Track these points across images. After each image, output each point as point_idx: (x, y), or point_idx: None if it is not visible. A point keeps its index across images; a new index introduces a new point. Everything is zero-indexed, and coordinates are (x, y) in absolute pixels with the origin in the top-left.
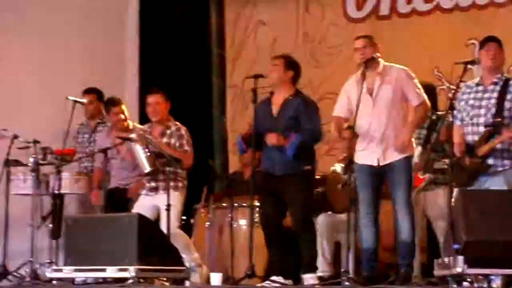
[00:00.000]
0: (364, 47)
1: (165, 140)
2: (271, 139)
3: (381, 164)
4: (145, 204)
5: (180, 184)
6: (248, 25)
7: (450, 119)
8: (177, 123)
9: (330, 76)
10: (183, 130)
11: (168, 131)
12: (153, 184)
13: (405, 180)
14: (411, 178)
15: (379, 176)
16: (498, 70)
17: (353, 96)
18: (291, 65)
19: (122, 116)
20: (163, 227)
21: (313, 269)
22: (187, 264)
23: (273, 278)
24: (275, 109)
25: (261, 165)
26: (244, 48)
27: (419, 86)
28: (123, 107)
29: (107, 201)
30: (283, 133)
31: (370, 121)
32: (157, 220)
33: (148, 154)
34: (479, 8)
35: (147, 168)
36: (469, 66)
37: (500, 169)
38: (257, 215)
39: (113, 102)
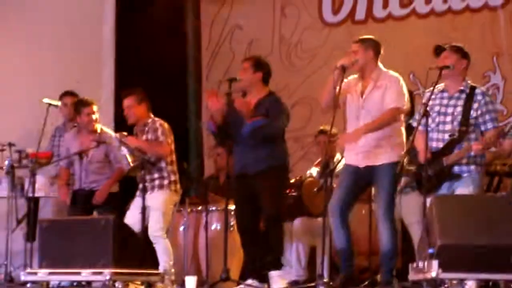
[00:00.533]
0: (355, 52)
1: (143, 137)
2: (239, 104)
3: (366, 166)
4: (138, 205)
5: (165, 182)
6: (224, 28)
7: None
8: (156, 118)
9: (306, 80)
10: (158, 124)
11: (146, 128)
12: (141, 185)
13: (386, 188)
14: (394, 184)
15: (361, 179)
16: (454, 75)
17: (349, 90)
18: (260, 66)
19: (93, 117)
20: (149, 228)
21: (279, 266)
22: (161, 269)
23: (249, 281)
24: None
25: (234, 168)
26: (220, 51)
27: (405, 94)
28: (95, 108)
29: (72, 202)
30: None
31: (358, 123)
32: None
33: (129, 152)
34: (455, 13)
35: (128, 164)
36: (444, 71)
37: (466, 174)
38: (232, 218)
39: (84, 103)
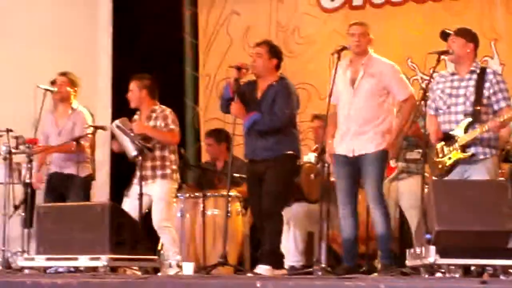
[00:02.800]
0: (361, 34)
1: (151, 123)
2: (234, 109)
3: (355, 155)
4: (136, 193)
5: (168, 171)
6: (221, 14)
7: (423, 110)
8: (163, 106)
9: (304, 66)
10: (168, 111)
11: (154, 114)
12: (143, 173)
13: (375, 174)
14: (381, 172)
15: (356, 166)
16: (461, 59)
17: (339, 82)
18: (275, 53)
19: (67, 88)
20: (154, 218)
21: (269, 262)
22: (170, 261)
23: (262, 266)
24: (259, 94)
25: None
26: (217, 37)
27: (405, 79)
28: (70, 80)
29: (47, 186)
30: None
31: (349, 112)
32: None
33: (130, 141)
34: None
35: (134, 152)
36: (442, 56)
37: (482, 157)
38: (230, 204)
39: (60, 74)
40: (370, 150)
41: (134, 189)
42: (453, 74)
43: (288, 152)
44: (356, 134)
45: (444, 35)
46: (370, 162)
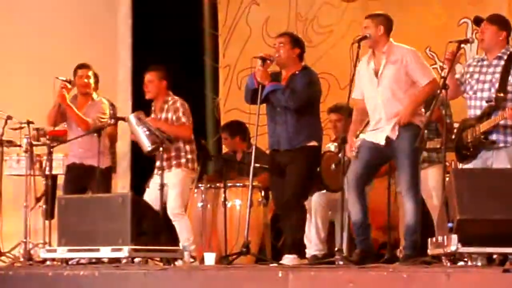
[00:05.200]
0: (366, 27)
1: (163, 115)
2: (259, 74)
3: (382, 143)
4: (157, 182)
5: (183, 160)
6: (240, 4)
7: (444, 98)
8: (176, 97)
9: (323, 56)
10: (179, 103)
11: (166, 106)
12: (158, 163)
13: (408, 163)
14: (415, 160)
15: (381, 154)
16: (491, 47)
17: (363, 77)
18: (297, 42)
19: (87, 81)
20: (168, 206)
21: (294, 250)
22: (182, 246)
23: (289, 256)
24: (283, 83)
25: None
26: (236, 28)
27: (427, 65)
28: (90, 73)
29: (67, 177)
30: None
31: (376, 101)
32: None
33: (148, 133)
34: None
35: (148, 147)
36: (462, 45)
37: (502, 145)
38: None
39: (80, 66)
40: (401, 134)
41: (153, 179)
42: (482, 59)
43: (311, 144)
44: (387, 121)
45: (478, 21)
46: (401, 151)
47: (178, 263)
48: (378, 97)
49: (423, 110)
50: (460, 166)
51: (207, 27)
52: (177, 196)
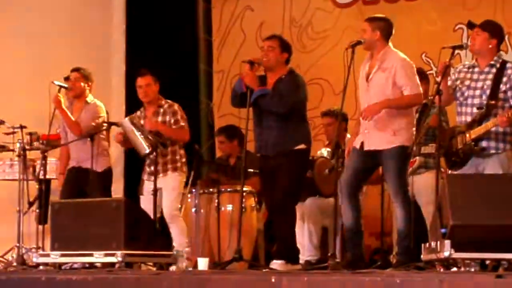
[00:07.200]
0: (363, 31)
1: (159, 119)
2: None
3: (364, 148)
4: (150, 188)
5: (178, 164)
6: (234, 10)
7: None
8: (169, 101)
9: (317, 61)
10: (176, 107)
11: (161, 109)
12: (148, 169)
13: (394, 169)
14: (402, 167)
15: (368, 161)
16: (481, 53)
17: (360, 78)
18: (286, 47)
19: (81, 84)
20: (165, 209)
21: (282, 256)
22: (177, 250)
23: (277, 261)
24: (269, 87)
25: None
26: (230, 33)
27: (417, 81)
28: (82, 76)
29: (66, 181)
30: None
31: (365, 105)
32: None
33: (143, 136)
34: None
35: (146, 149)
36: (457, 50)
37: (493, 151)
38: (244, 199)
39: (73, 69)
40: (385, 147)
41: (146, 185)
42: (473, 66)
43: (299, 147)
44: (370, 129)
45: (471, 26)
46: (387, 158)
47: (172, 268)
48: (365, 102)
49: (411, 121)
50: (449, 172)
51: (201, 33)
52: (176, 198)
